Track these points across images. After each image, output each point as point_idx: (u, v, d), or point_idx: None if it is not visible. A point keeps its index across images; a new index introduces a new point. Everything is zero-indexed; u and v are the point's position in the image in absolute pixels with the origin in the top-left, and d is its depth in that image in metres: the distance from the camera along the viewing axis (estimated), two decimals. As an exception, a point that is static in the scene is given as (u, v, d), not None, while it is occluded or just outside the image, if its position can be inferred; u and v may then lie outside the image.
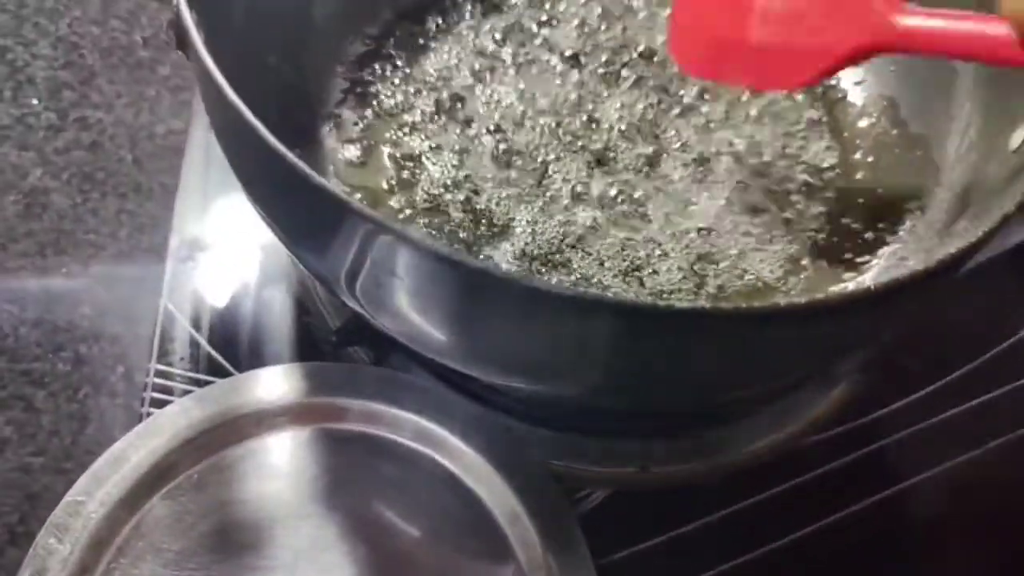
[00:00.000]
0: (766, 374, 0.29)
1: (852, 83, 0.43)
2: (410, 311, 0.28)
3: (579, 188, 0.39)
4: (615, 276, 0.37)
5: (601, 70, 0.43)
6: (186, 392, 0.40)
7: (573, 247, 0.37)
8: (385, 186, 0.39)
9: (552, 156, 0.40)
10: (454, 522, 0.37)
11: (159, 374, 0.39)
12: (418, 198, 0.38)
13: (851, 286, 0.36)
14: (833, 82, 0.44)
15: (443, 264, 0.24)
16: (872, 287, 0.24)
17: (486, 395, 0.38)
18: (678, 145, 0.41)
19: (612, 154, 0.40)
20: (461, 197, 0.38)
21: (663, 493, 0.39)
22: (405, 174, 0.39)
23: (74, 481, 0.47)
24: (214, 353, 0.40)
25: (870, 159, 0.41)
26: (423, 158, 0.39)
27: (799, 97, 0.43)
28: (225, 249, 0.44)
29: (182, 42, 0.31)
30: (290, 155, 0.25)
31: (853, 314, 0.24)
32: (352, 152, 0.39)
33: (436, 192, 0.38)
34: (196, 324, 0.41)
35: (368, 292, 0.28)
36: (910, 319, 0.28)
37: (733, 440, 0.39)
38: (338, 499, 0.37)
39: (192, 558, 0.36)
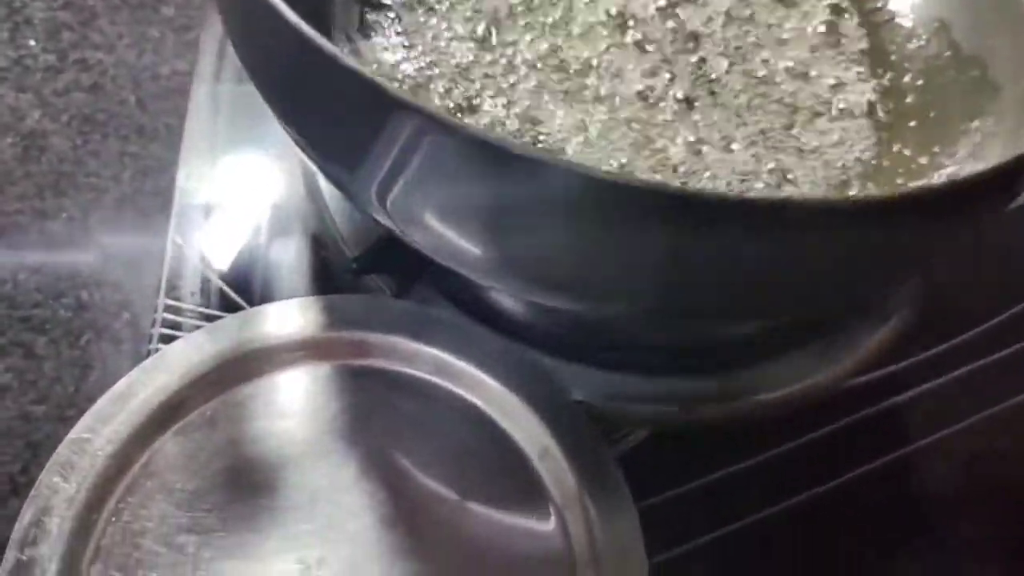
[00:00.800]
0: (834, 283, 0.27)
1: (900, 4, 0.41)
2: (446, 220, 0.26)
3: (620, 88, 0.37)
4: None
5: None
6: (197, 328, 0.37)
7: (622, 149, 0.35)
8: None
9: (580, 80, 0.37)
10: (481, 460, 0.35)
11: (168, 309, 0.37)
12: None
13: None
14: (879, 4, 0.41)
15: (494, 152, 0.21)
16: (956, 179, 0.21)
17: (516, 328, 0.36)
18: (726, 63, 0.38)
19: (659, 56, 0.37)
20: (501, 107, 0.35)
21: (703, 434, 0.37)
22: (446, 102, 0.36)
23: (77, 429, 0.45)
24: (226, 288, 0.38)
25: (920, 82, 0.39)
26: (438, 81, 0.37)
27: (845, 19, 0.41)
28: (235, 182, 0.41)
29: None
30: (327, 42, 0.23)
31: (940, 206, 0.22)
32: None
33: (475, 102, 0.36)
34: (206, 258, 0.38)
35: (401, 201, 0.26)
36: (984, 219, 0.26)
37: (777, 379, 0.37)
38: (357, 437, 0.35)
39: (205, 498, 0.33)
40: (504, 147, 0.22)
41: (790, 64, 0.39)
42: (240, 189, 0.43)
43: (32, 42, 0.58)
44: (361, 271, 0.36)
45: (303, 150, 0.30)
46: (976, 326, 0.41)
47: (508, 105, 0.36)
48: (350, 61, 0.23)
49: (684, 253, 0.24)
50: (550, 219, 0.24)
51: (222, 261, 0.40)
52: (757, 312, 0.32)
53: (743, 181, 0.35)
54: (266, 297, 0.39)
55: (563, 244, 0.25)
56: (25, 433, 0.45)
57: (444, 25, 0.39)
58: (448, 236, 0.27)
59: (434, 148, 0.23)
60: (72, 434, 0.34)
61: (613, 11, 0.40)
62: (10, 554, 0.31)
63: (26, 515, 0.32)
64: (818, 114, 0.38)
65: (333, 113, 0.26)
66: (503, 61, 0.37)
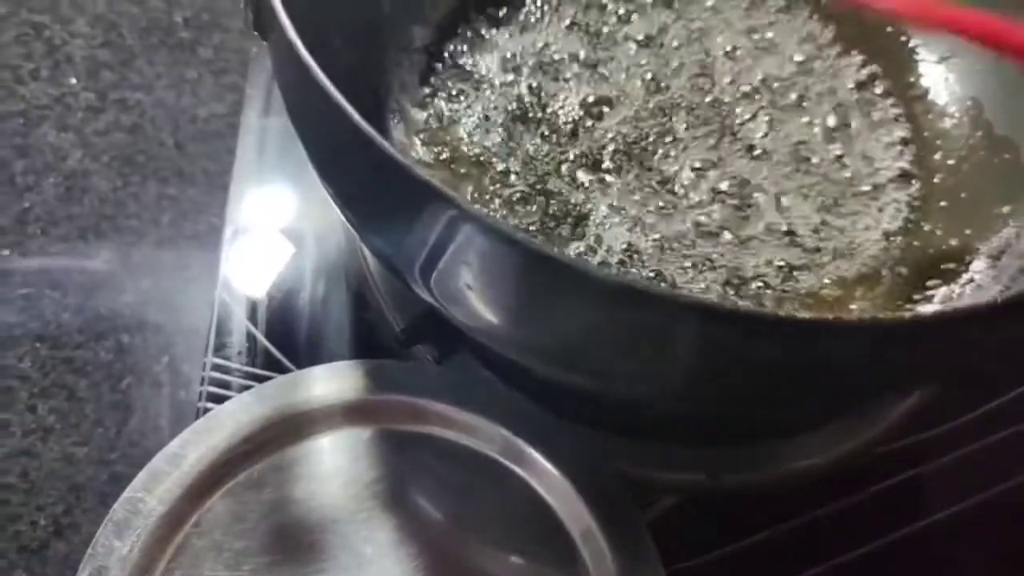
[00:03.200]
0: (859, 389, 0.28)
1: (933, 81, 0.42)
2: (486, 305, 0.27)
3: (654, 184, 0.38)
4: (690, 271, 0.36)
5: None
6: (244, 387, 0.39)
7: (656, 245, 0.36)
8: (457, 183, 0.37)
9: (632, 162, 0.38)
10: (519, 528, 0.36)
11: (216, 368, 0.38)
12: (488, 198, 0.37)
13: (938, 295, 0.35)
14: (912, 79, 0.42)
15: (525, 254, 0.23)
16: (997, 300, 0.22)
17: (552, 396, 0.37)
18: (757, 136, 0.40)
19: (682, 143, 0.39)
20: (537, 196, 0.37)
21: (732, 502, 0.38)
22: (476, 172, 0.37)
23: (119, 472, 0.47)
24: (271, 347, 0.39)
25: (951, 162, 0.40)
26: (493, 159, 0.38)
27: (877, 93, 0.42)
28: (280, 241, 0.43)
29: (259, 21, 0.30)
30: (376, 135, 0.24)
31: (969, 329, 0.23)
32: (420, 149, 0.38)
33: (508, 192, 0.37)
34: (252, 317, 0.40)
35: (443, 283, 0.27)
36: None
37: (805, 448, 0.38)
38: (401, 502, 0.36)
39: (252, 558, 0.35)
40: (537, 251, 0.23)
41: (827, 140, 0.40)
42: (286, 247, 0.44)
43: (73, 80, 0.59)
44: (407, 343, 0.37)
45: (351, 226, 0.31)
46: (999, 396, 0.42)
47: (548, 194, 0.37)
48: (396, 153, 0.24)
49: (707, 360, 0.25)
50: (579, 318, 0.25)
51: (268, 319, 0.41)
52: (774, 409, 0.33)
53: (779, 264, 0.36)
54: (311, 357, 0.40)
55: (594, 340, 0.26)
56: (68, 475, 0.46)
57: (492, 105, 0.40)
58: (487, 319, 0.28)
59: (470, 241, 0.24)
60: (127, 492, 0.35)
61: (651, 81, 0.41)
62: (68, 613, 0.32)
63: (84, 573, 0.33)
64: (853, 190, 0.39)
65: (379, 197, 0.27)
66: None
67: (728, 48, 0.43)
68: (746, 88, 0.42)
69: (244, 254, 0.43)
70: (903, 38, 0.43)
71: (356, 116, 0.24)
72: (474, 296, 0.27)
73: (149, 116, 0.58)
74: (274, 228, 0.43)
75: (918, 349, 0.24)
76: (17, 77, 0.58)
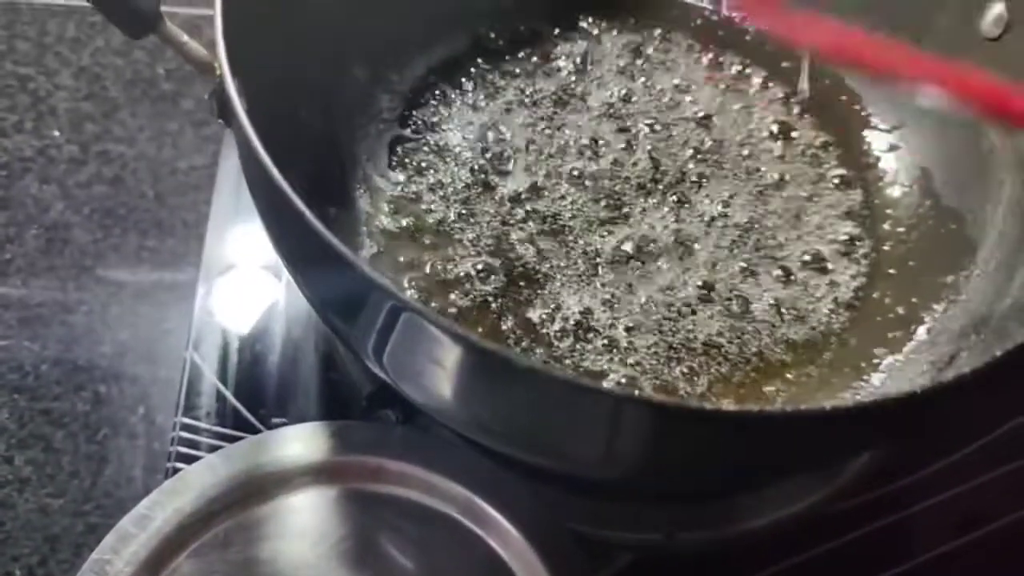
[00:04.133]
0: (802, 464, 0.29)
1: (884, 149, 0.44)
2: (432, 386, 0.28)
3: (606, 253, 0.39)
4: (642, 335, 0.37)
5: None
6: (212, 447, 0.40)
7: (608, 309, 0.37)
8: (421, 252, 0.39)
9: (587, 228, 0.40)
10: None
11: (185, 427, 0.39)
12: (452, 267, 0.38)
13: (885, 362, 0.36)
14: (864, 146, 0.44)
15: (455, 342, 0.24)
16: (917, 391, 0.24)
17: (507, 461, 0.38)
18: (702, 207, 0.41)
19: (632, 214, 0.40)
20: (499, 264, 0.38)
21: (689, 559, 0.39)
22: (440, 241, 0.39)
23: (93, 523, 0.48)
24: (240, 407, 0.40)
25: (900, 230, 0.41)
26: (455, 228, 0.39)
27: (824, 158, 0.44)
28: (251, 300, 0.44)
29: (224, 111, 0.31)
30: (325, 232, 0.25)
31: (889, 418, 0.24)
32: (384, 219, 0.39)
33: (472, 261, 0.38)
34: (222, 376, 0.41)
35: (393, 364, 0.29)
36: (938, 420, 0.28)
37: (761, 506, 0.39)
38: (366, 561, 0.37)
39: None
40: (464, 340, 0.24)
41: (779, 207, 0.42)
42: (257, 303, 0.45)
43: (56, 132, 0.61)
44: (372, 407, 0.38)
45: (311, 305, 0.32)
46: (960, 448, 0.43)
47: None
48: (341, 246, 0.25)
49: (657, 445, 0.26)
50: (511, 401, 0.27)
51: (237, 379, 0.42)
52: (728, 489, 0.35)
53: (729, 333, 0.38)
54: (279, 415, 0.41)
55: (528, 422, 0.28)
56: (43, 526, 0.47)
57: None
58: (434, 398, 0.29)
59: (410, 329, 0.26)
60: (95, 555, 0.36)
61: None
62: (35, 676, 0.33)
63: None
64: (804, 258, 0.40)
65: (331, 285, 0.28)
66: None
67: (688, 113, 0.45)
68: (697, 154, 0.43)
69: (215, 313, 0.44)
70: (856, 106, 0.45)
71: (304, 210, 0.25)
72: (421, 377, 0.28)
73: (131, 168, 0.59)
74: (245, 290, 0.44)
75: (839, 432, 0.25)
76: (0, 129, 0.59)
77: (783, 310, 0.38)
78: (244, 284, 0.45)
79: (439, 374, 0.27)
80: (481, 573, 0.37)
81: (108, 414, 0.50)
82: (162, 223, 0.57)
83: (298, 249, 0.28)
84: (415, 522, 0.38)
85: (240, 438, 0.39)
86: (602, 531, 0.38)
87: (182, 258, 0.56)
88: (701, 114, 0.44)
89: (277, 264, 0.47)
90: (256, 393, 0.41)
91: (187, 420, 0.39)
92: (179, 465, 0.39)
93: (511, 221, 0.39)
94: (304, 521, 0.38)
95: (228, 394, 0.40)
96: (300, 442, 0.39)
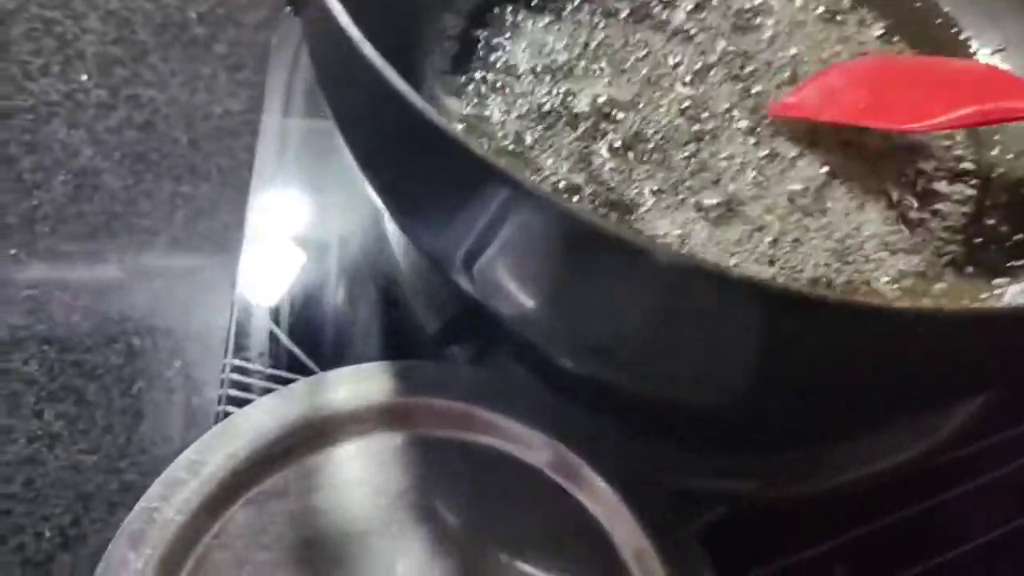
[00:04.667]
0: (927, 387, 0.26)
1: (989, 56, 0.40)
2: (535, 292, 0.25)
3: (691, 170, 0.36)
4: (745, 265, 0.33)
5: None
6: (265, 390, 0.36)
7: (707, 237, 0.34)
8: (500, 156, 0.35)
9: (673, 147, 0.36)
10: (563, 543, 0.34)
11: (235, 369, 0.36)
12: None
13: (1009, 292, 0.33)
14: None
15: (584, 231, 0.20)
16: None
17: (595, 400, 0.35)
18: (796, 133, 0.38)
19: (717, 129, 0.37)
20: (581, 187, 0.35)
21: (785, 512, 0.36)
22: (515, 164, 0.35)
23: (129, 481, 0.44)
24: (294, 349, 0.37)
25: (1009, 156, 0.38)
26: (531, 151, 0.36)
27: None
28: (302, 240, 0.41)
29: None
30: (430, 110, 0.22)
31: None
32: (460, 110, 0.36)
33: (550, 184, 0.35)
34: (275, 317, 0.37)
35: (487, 270, 0.25)
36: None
37: (863, 455, 0.36)
38: (434, 513, 0.34)
39: (277, 571, 0.32)
40: (601, 229, 0.21)
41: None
42: (308, 247, 0.42)
43: (84, 77, 0.57)
44: (443, 342, 0.35)
45: (391, 213, 0.29)
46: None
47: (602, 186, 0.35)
48: (447, 125, 0.22)
49: (777, 355, 0.23)
50: (638, 304, 0.23)
51: (291, 320, 0.38)
52: (835, 409, 0.31)
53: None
54: (337, 359, 0.38)
55: (650, 329, 0.24)
56: (76, 484, 0.44)
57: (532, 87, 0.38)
58: (533, 308, 0.26)
59: (529, 223, 0.22)
60: (142, 503, 0.33)
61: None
62: (79, 631, 0.30)
63: (97, 589, 0.31)
64: (912, 188, 0.37)
65: (424, 176, 0.25)
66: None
67: (767, 37, 0.41)
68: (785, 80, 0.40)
69: (265, 254, 0.41)
70: (954, 29, 0.41)
71: (407, 89, 0.22)
72: (522, 283, 0.25)
73: (162, 113, 0.56)
74: (296, 227, 0.41)
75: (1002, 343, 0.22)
76: (26, 73, 0.56)
77: (890, 240, 0.35)
78: (295, 229, 0.41)
79: (549, 276, 0.23)
80: (566, 528, 0.34)
81: (143, 367, 0.47)
82: (196, 169, 0.54)
83: (387, 140, 0.25)
84: (490, 472, 0.35)
85: (295, 381, 0.36)
86: (694, 482, 0.35)
87: (217, 205, 0.53)
88: (785, 35, 0.41)
89: (328, 212, 0.44)
90: (311, 334, 0.38)
91: (238, 362, 0.36)
92: (230, 409, 0.36)
93: (591, 141, 0.36)
94: (367, 469, 0.35)
95: (281, 335, 0.37)
96: (362, 383, 0.36)
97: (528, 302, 0.25)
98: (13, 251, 0.50)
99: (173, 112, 0.56)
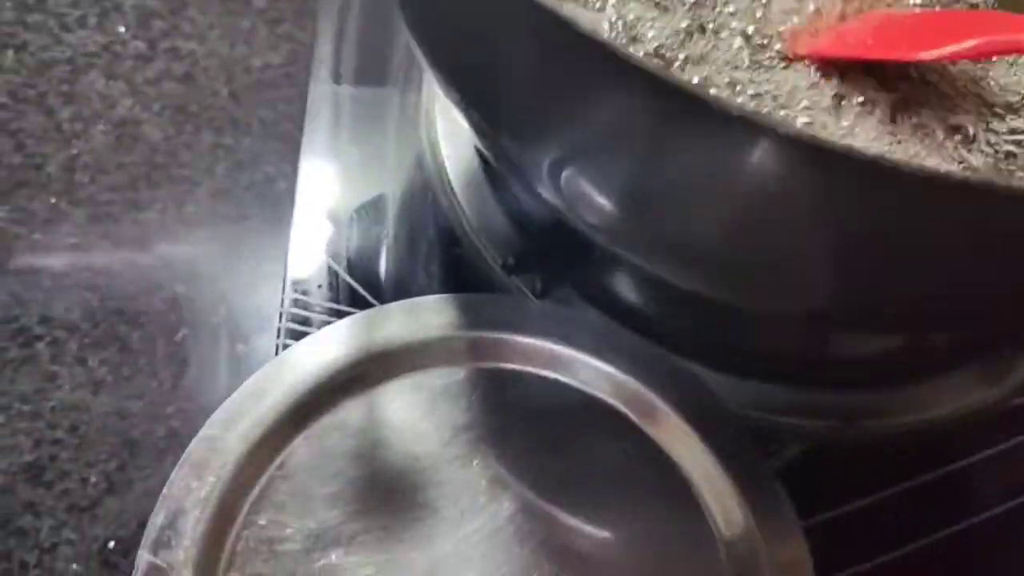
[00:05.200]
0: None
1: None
2: (629, 191, 0.24)
3: None
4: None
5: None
6: (325, 323, 0.35)
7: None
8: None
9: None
10: (634, 477, 0.33)
11: (295, 303, 0.35)
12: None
13: None
14: None
15: (704, 107, 0.19)
16: None
17: (665, 335, 0.34)
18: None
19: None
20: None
21: (866, 451, 0.34)
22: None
23: (175, 428, 0.43)
24: (354, 284, 0.35)
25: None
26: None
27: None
28: (360, 174, 0.39)
29: None
30: None
31: None
32: None
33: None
34: (333, 254, 0.36)
35: (577, 176, 0.24)
36: None
37: (943, 396, 0.35)
38: (500, 447, 0.33)
39: (341, 505, 0.31)
40: (717, 104, 0.19)
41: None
42: (365, 182, 0.41)
43: (121, 28, 0.56)
44: (515, 270, 0.33)
45: (478, 122, 0.28)
46: None
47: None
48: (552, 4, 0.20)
49: (891, 239, 0.21)
50: (750, 191, 0.22)
51: (350, 257, 0.37)
52: (939, 325, 0.30)
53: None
54: (397, 293, 0.36)
55: (755, 221, 0.23)
56: (121, 431, 0.43)
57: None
58: (621, 210, 0.25)
59: (629, 102, 0.21)
60: (204, 430, 0.31)
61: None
62: (143, 556, 0.29)
63: (159, 516, 0.30)
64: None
65: (520, 71, 0.24)
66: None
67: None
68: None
69: (321, 189, 0.40)
70: None
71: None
72: (613, 180, 0.23)
73: (201, 66, 0.55)
74: (353, 162, 0.40)
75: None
76: (63, 24, 0.55)
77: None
78: (352, 160, 0.40)
79: (644, 165, 0.22)
80: (637, 462, 0.33)
81: (187, 315, 0.46)
82: (238, 122, 0.53)
83: (475, 36, 0.24)
84: (557, 405, 0.34)
85: (358, 313, 0.34)
86: (773, 418, 0.33)
87: (261, 157, 0.52)
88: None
89: (380, 163, 0.43)
90: (370, 270, 0.37)
91: (297, 296, 0.35)
92: (289, 342, 0.34)
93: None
94: (431, 403, 0.33)
95: (340, 269, 0.36)
96: (425, 316, 0.35)
97: (617, 202, 0.24)
98: (53, 200, 0.49)
99: (212, 65, 0.55)
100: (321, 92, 0.48)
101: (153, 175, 0.51)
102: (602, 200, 0.25)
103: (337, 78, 0.49)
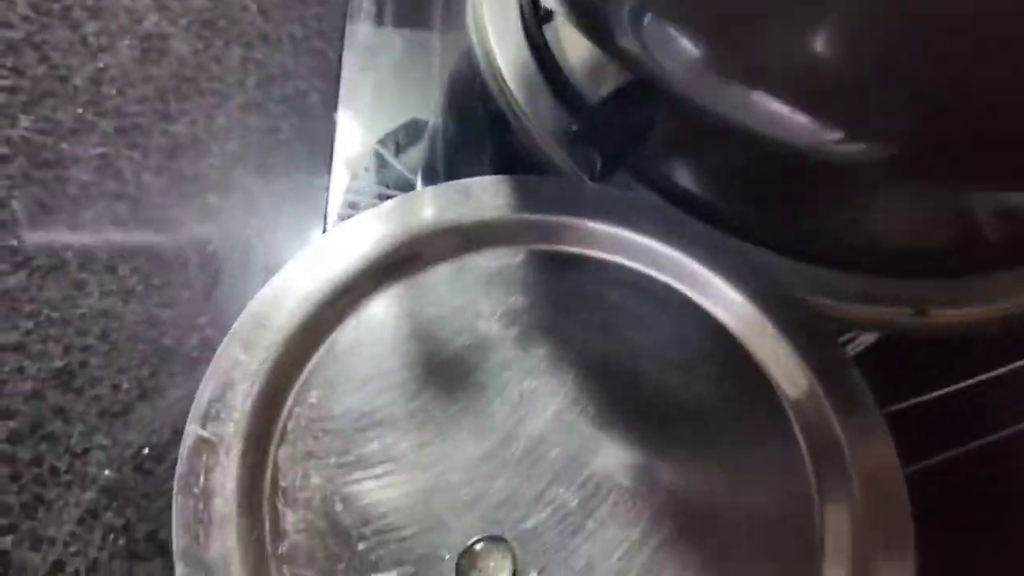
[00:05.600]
0: None
1: None
2: (720, 26, 0.22)
3: None
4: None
5: None
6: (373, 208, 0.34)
7: None
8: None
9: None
10: (702, 362, 0.31)
11: (341, 186, 0.33)
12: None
13: None
14: None
15: None
16: None
17: (732, 220, 0.32)
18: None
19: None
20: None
21: (940, 341, 0.33)
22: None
23: (209, 338, 0.42)
24: (403, 170, 0.34)
25: None
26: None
27: None
28: (404, 58, 0.38)
29: None
30: None
31: None
32: None
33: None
34: (379, 137, 0.35)
35: (662, 18, 0.22)
36: None
37: (1018, 287, 0.33)
38: (561, 333, 0.31)
39: (395, 387, 0.30)
40: None
41: None
42: (410, 65, 0.39)
43: (145, -55, 0.55)
44: (585, 139, 0.31)
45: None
46: None
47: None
48: None
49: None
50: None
51: (397, 141, 0.36)
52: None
53: None
54: (446, 175, 0.35)
55: (863, 36, 0.21)
56: (153, 338, 0.41)
57: None
58: (712, 45, 0.23)
59: None
60: (252, 306, 0.30)
61: None
62: (191, 430, 0.27)
63: (207, 388, 0.28)
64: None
65: None
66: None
67: None
68: None
69: (366, 72, 0.38)
70: None
71: None
72: (700, 17, 0.22)
73: (229, -18, 0.53)
74: (397, 48, 0.38)
75: None
76: (87, -60, 0.54)
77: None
78: (399, 40, 0.38)
79: None
80: (706, 350, 0.31)
81: (218, 226, 0.45)
82: (267, 36, 0.51)
83: None
84: (617, 289, 0.32)
85: (406, 195, 0.33)
86: (845, 306, 0.32)
87: (292, 71, 0.50)
88: None
89: (426, 37, 0.41)
90: (417, 151, 0.35)
91: (340, 182, 0.33)
92: (336, 224, 0.33)
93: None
94: (485, 285, 0.32)
95: (386, 154, 0.34)
96: (482, 196, 0.33)
97: (708, 30, 0.22)
98: (79, 110, 0.47)
99: (240, -20, 0.54)
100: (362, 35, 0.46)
101: (182, 88, 0.49)
102: (689, 35, 0.23)
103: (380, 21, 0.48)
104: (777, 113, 0.24)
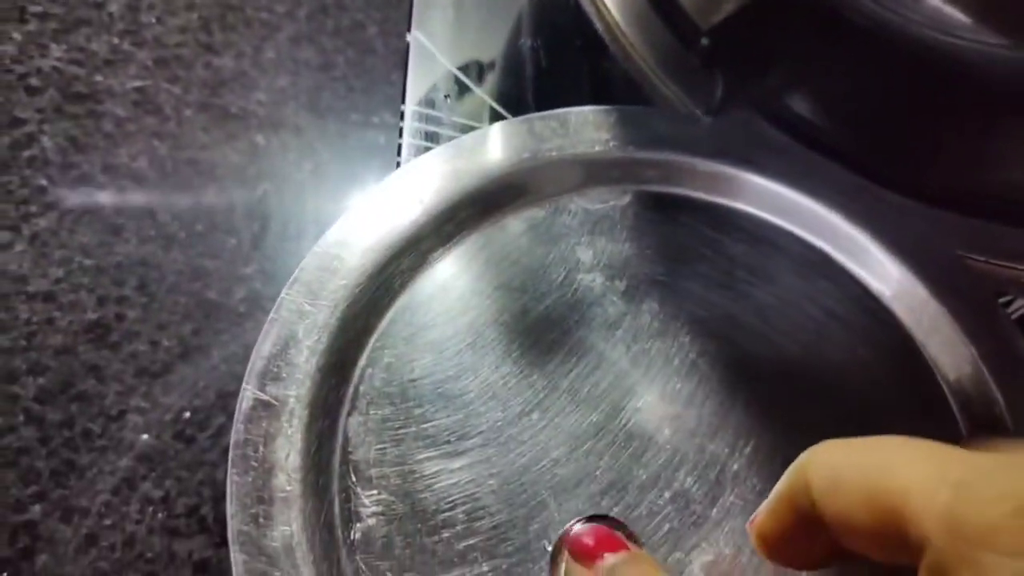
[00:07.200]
0: None
1: None
2: None
3: None
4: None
5: None
6: (452, 140, 0.29)
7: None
8: None
9: None
10: (838, 323, 0.26)
11: (417, 117, 0.29)
12: None
13: None
14: None
15: None
16: None
17: (868, 162, 0.27)
18: None
19: None
20: None
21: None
22: None
23: (257, 290, 0.38)
24: (485, 97, 0.29)
25: None
26: None
27: None
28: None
29: None
30: None
31: None
32: None
33: None
34: (461, 65, 0.30)
35: None
36: None
37: None
38: (670, 285, 0.27)
39: (484, 342, 0.25)
40: None
41: None
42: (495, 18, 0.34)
43: None
44: (699, 62, 0.27)
45: None
46: None
47: None
48: None
49: None
50: None
51: (478, 64, 0.31)
52: None
53: None
54: (537, 105, 0.30)
55: None
56: (195, 291, 0.37)
57: None
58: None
59: None
60: (317, 248, 0.26)
61: None
62: (248, 392, 0.23)
63: (266, 343, 0.24)
64: None
65: None
66: None
67: None
68: None
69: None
70: None
71: None
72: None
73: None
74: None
75: None
76: None
77: None
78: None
79: None
80: (839, 305, 0.27)
81: (267, 167, 0.40)
82: (320, -35, 0.47)
83: None
84: (739, 238, 0.27)
85: (490, 128, 0.28)
86: (996, 261, 0.27)
87: (349, 5, 0.45)
88: None
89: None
90: (504, 80, 0.30)
91: (418, 110, 0.29)
92: (410, 159, 0.28)
93: None
94: (589, 232, 0.27)
95: (468, 81, 0.29)
96: (583, 129, 0.28)
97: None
98: (116, 40, 0.43)
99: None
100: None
101: (227, 17, 0.45)
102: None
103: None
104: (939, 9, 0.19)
